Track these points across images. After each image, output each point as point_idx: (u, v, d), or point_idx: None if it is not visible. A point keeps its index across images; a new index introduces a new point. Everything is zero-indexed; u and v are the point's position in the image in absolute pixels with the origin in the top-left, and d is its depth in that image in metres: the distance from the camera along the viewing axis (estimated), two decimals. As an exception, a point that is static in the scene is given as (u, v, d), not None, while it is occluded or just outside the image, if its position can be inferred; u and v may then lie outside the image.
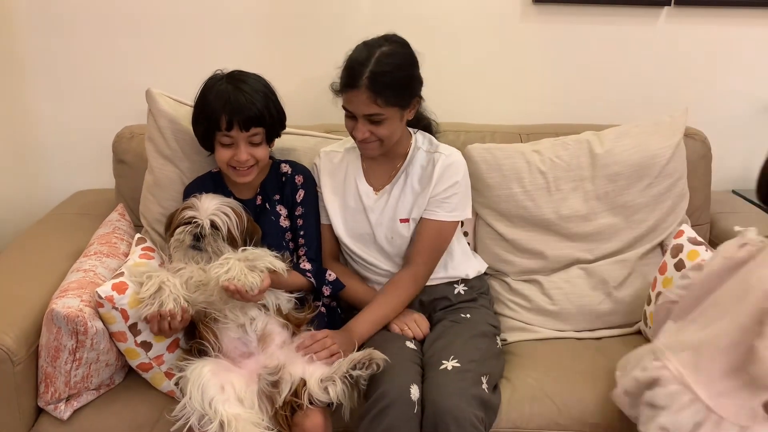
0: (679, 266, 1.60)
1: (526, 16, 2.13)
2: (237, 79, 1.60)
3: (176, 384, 1.47)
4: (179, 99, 1.79)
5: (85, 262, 1.59)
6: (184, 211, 1.52)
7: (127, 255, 1.66)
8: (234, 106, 1.54)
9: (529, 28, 2.14)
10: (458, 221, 1.71)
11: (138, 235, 1.71)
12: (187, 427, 1.38)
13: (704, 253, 1.59)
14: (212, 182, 1.72)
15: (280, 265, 1.50)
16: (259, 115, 1.57)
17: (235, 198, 1.66)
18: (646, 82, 2.22)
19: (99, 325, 1.43)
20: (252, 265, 1.45)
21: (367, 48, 1.56)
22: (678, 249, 1.65)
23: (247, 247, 1.52)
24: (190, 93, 1.68)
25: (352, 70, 1.54)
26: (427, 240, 1.66)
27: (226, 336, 1.48)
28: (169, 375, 1.53)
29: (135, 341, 1.47)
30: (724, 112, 2.27)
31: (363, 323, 1.58)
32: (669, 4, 2.13)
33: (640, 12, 2.15)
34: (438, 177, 1.65)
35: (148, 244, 1.67)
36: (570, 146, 1.87)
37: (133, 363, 1.51)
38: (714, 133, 2.08)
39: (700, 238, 1.68)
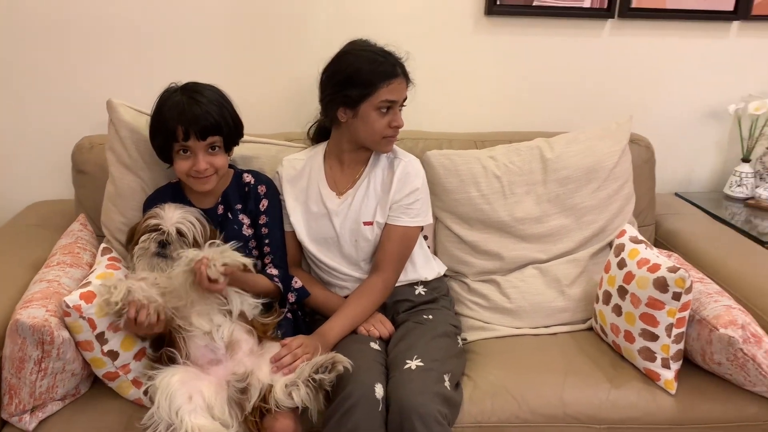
0: (621, 265, 1.67)
1: (479, 28, 2.20)
2: (191, 90, 1.62)
3: (145, 392, 1.47)
4: (140, 109, 1.80)
5: (49, 273, 1.58)
6: (148, 220, 1.53)
7: (91, 265, 1.66)
8: (189, 116, 1.56)
9: (482, 40, 2.21)
10: (421, 226, 1.77)
11: (103, 245, 1.71)
12: (156, 435, 1.39)
13: (644, 251, 1.66)
14: (172, 193, 1.73)
15: (243, 258, 1.50)
16: (215, 124, 1.59)
17: (197, 208, 1.67)
18: (593, 91, 2.32)
19: (65, 334, 1.42)
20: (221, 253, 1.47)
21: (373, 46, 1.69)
22: (620, 248, 1.72)
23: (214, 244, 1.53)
24: (149, 103, 1.70)
25: (390, 62, 1.64)
26: (394, 245, 1.72)
27: (194, 344, 1.49)
28: (136, 383, 1.53)
29: (101, 350, 1.47)
30: (666, 118, 2.39)
31: (336, 327, 1.62)
32: (613, 17, 2.23)
33: (586, 24, 2.25)
34: (398, 182, 1.71)
35: (114, 254, 1.67)
36: (523, 152, 1.95)
37: (99, 372, 1.51)
38: (657, 138, 2.20)
39: (641, 237, 1.77)
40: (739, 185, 2.38)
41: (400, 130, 1.71)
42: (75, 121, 2.11)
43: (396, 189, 1.71)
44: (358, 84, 1.62)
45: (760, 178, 2.38)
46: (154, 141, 1.65)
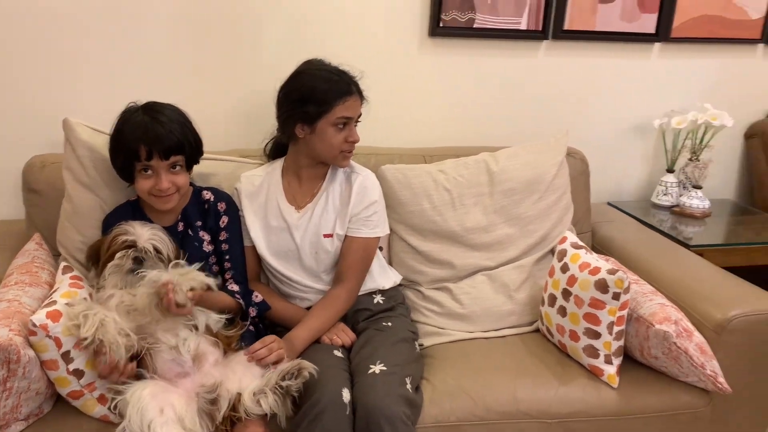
0: (564, 269, 1.79)
1: (424, 49, 2.31)
2: (153, 109, 1.64)
3: (114, 407, 1.48)
4: (97, 128, 1.81)
5: (8, 292, 1.57)
6: (118, 237, 1.54)
7: (50, 284, 1.66)
8: (152, 136, 1.59)
9: (427, 60, 2.32)
10: (380, 237, 1.85)
11: (64, 264, 1.70)
12: (127, 449, 1.40)
13: (584, 255, 1.78)
14: (132, 211, 1.75)
15: (208, 279, 1.54)
16: (178, 144, 1.62)
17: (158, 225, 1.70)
18: (532, 108, 2.46)
19: (31, 353, 1.42)
20: (183, 277, 1.50)
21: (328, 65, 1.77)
22: (563, 253, 1.85)
23: (177, 264, 1.57)
24: (101, 121, 1.72)
25: (345, 81, 1.72)
26: (356, 256, 1.79)
27: (160, 358, 1.51)
28: (102, 400, 1.53)
29: (67, 369, 1.47)
30: (597, 133, 2.56)
31: (302, 335, 1.67)
32: (547, 39, 2.38)
33: (523, 45, 2.39)
34: (356, 195, 1.79)
35: (76, 272, 1.67)
36: (470, 165, 2.06)
37: (64, 391, 1.51)
38: (590, 152, 2.35)
39: (581, 243, 1.91)
40: (665, 194, 2.57)
41: (355, 145, 1.79)
42: (21, 140, 2.09)
43: (355, 202, 1.79)
44: (316, 101, 1.69)
45: (683, 188, 2.57)
46: (115, 160, 1.67)
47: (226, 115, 2.22)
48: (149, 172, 1.63)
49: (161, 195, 1.64)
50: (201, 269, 1.64)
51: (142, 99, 1.69)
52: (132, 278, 1.53)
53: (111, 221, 1.70)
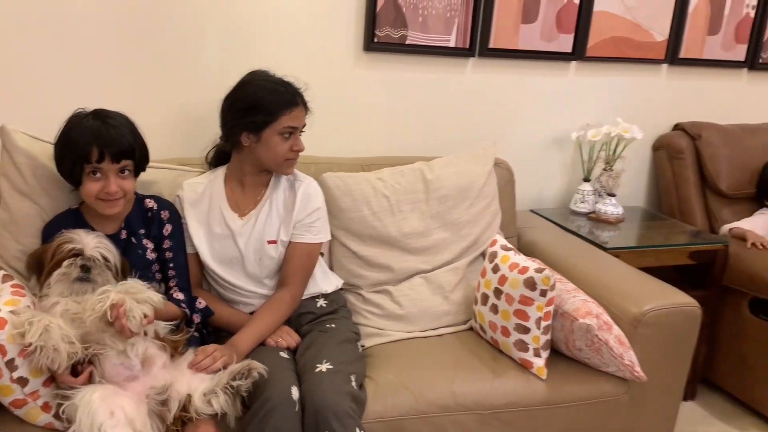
0: (495, 269, 1.91)
1: (359, 63, 2.40)
2: (103, 115, 1.66)
3: (60, 413, 1.47)
4: (36, 135, 1.79)
5: (-55, 302, 1.54)
6: (63, 245, 1.54)
7: (-11, 295, 1.63)
8: (105, 138, 1.60)
9: (362, 74, 2.42)
10: (322, 242, 1.92)
11: (3, 272, 1.68)
12: (76, 454, 1.40)
13: (514, 256, 1.91)
14: (73, 219, 1.73)
15: (157, 299, 1.56)
16: (129, 148, 1.64)
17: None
18: (461, 120, 2.59)
19: (-26, 361, 1.40)
20: (135, 298, 1.51)
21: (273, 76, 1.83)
22: (493, 255, 1.97)
23: (127, 281, 1.57)
24: (36, 129, 1.71)
25: (290, 92, 1.78)
26: (299, 261, 1.85)
27: (108, 362, 1.52)
28: (46, 408, 1.52)
29: (11, 377, 1.45)
30: (521, 145, 2.72)
31: (247, 338, 1.71)
32: (474, 56, 2.53)
33: (451, 62, 2.52)
34: (300, 202, 1.85)
35: (17, 281, 1.65)
36: (406, 174, 2.17)
37: (6, 400, 1.48)
38: (514, 162, 2.50)
39: (510, 245, 2.03)
40: (582, 201, 2.76)
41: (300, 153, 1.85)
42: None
43: (299, 209, 1.85)
44: (262, 111, 1.75)
45: (599, 195, 2.77)
46: (62, 164, 1.65)
47: (166, 124, 2.23)
48: (98, 175, 1.63)
49: (109, 199, 1.64)
50: (143, 277, 1.67)
51: (80, 107, 1.69)
52: (78, 286, 1.54)
53: (51, 229, 1.69)
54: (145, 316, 1.49)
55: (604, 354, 1.79)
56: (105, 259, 1.56)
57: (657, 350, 1.90)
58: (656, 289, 1.97)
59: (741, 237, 2.63)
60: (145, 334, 1.58)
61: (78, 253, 1.54)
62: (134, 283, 1.56)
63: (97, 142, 1.59)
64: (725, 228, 2.73)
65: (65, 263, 1.53)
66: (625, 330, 1.83)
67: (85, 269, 1.53)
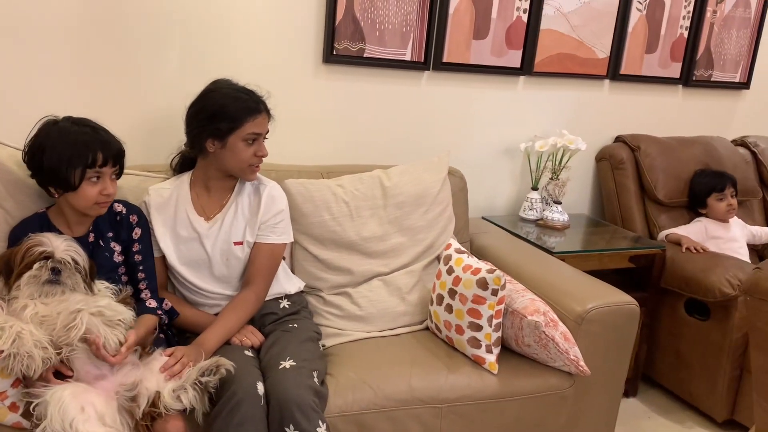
0: (450, 271, 2.02)
1: (318, 74, 2.49)
2: (82, 123, 1.71)
3: (30, 411, 1.50)
4: (2, 141, 1.82)
5: None
6: (33, 248, 1.57)
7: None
8: (105, 143, 1.67)
9: (321, 84, 2.51)
10: (286, 243, 1.99)
11: (-29, 275, 1.69)
12: (47, 449, 1.44)
13: (467, 259, 2.02)
14: (39, 223, 1.76)
15: (129, 317, 1.63)
16: (122, 151, 1.73)
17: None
18: (416, 130, 2.71)
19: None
20: (107, 321, 1.57)
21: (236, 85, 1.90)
22: (448, 258, 2.08)
23: (96, 295, 1.63)
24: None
25: (254, 100, 1.85)
26: (264, 261, 1.92)
27: (78, 362, 1.56)
28: (14, 408, 1.56)
29: (-21, 379, 1.49)
30: (473, 155, 2.84)
31: (213, 337, 1.77)
32: (429, 69, 2.64)
33: (407, 74, 2.63)
34: (265, 205, 1.93)
35: (-16, 285, 1.68)
36: (365, 181, 2.26)
37: (-27, 400, 1.52)
38: (467, 171, 2.63)
39: (463, 248, 2.14)
40: (530, 209, 2.90)
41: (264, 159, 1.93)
42: None
43: (264, 210, 1.92)
44: (227, 118, 1.82)
45: (546, 203, 2.92)
46: (54, 172, 1.65)
47: (128, 130, 2.24)
48: (96, 179, 1.68)
49: (106, 201, 1.71)
50: (110, 279, 1.72)
51: (42, 113, 1.73)
52: (48, 288, 1.57)
53: (18, 233, 1.72)
54: (121, 343, 1.57)
55: (550, 349, 1.91)
56: (75, 262, 1.59)
57: (599, 346, 2.03)
58: (599, 289, 2.11)
59: (676, 242, 2.82)
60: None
61: (48, 256, 1.57)
62: (108, 303, 1.61)
63: (102, 147, 1.66)
64: (662, 234, 2.92)
65: (36, 266, 1.55)
66: (570, 327, 1.96)
67: (56, 272, 1.56)
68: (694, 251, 2.73)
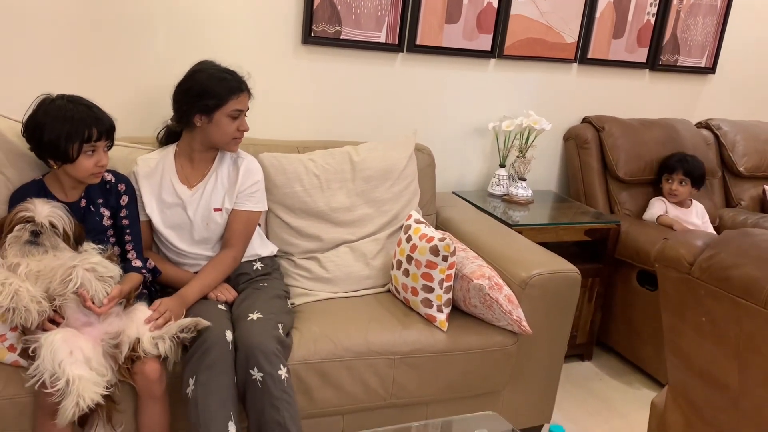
0: (408, 239, 2.21)
1: (297, 54, 2.66)
2: (76, 101, 1.88)
3: (29, 353, 1.70)
4: (1, 113, 2.03)
5: None
6: (19, 213, 1.77)
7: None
8: (98, 120, 1.86)
9: (300, 64, 2.68)
10: (261, 211, 2.20)
11: (-28, 237, 1.91)
12: (40, 383, 1.65)
13: (424, 229, 2.21)
14: (37, 189, 1.95)
15: (117, 272, 1.83)
16: (113, 126, 1.92)
17: (61, 201, 1.92)
18: (388, 110, 2.88)
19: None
20: (99, 276, 1.78)
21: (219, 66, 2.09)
22: (407, 227, 2.27)
23: (90, 253, 1.82)
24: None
25: (237, 80, 2.04)
26: (240, 227, 2.13)
27: (69, 309, 1.78)
28: (12, 348, 1.78)
29: (-19, 324, 1.70)
30: (444, 133, 3.02)
31: (193, 290, 1.99)
32: (402, 51, 2.81)
33: (382, 56, 2.80)
34: (243, 176, 2.13)
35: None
36: (336, 156, 2.46)
37: (-24, 342, 1.74)
38: (438, 148, 2.82)
39: (422, 219, 2.33)
40: (498, 185, 3.09)
41: (245, 133, 2.13)
42: None
43: (242, 180, 2.13)
44: (213, 96, 2.01)
45: (512, 180, 3.10)
46: (53, 145, 1.81)
47: (119, 105, 2.42)
48: (91, 152, 1.87)
49: (100, 171, 1.90)
50: (98, 240, 1.93)
51: (37, 90, 1.89)
52: (28, 248, 1.76)
53: (16, 198, 1.92)
54: (107, 294, 1.77)
55: (495, 310, 2.13)
56: (53, 225, 1.78)
57: (542, 309, 2.24)
58: (545, 258, 2.31)
59: (668, 225, 3.00)
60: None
61: (30, 220, 1.77)
62: (100, 260, 1.81)
63: (96, 124, 1.85)
64: (653, 215, 3.08)
65: (17, 228, 1.75)
66: (515, 291, 2.17)
67: (35, 234, 1.76)
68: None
